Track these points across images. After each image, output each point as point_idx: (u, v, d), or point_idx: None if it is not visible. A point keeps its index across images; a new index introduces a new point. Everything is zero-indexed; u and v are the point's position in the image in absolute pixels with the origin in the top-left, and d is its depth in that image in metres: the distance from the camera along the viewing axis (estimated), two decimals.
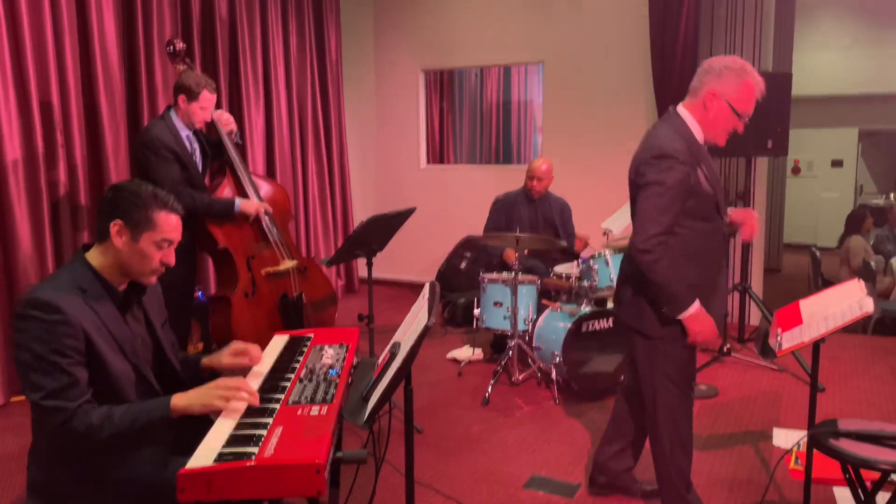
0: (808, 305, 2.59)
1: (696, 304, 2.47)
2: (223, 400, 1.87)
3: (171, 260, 2.04)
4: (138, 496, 1.92)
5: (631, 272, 2.62)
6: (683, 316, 2.47)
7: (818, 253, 6.39)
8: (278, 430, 1.74)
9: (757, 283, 5.74)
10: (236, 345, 2.22)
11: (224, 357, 2.19)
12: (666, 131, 2.48)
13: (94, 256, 1.99)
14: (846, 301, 2.43)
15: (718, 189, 2.52)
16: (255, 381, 2.09)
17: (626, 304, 2.67)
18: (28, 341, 1.80)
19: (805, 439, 2.54)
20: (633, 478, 3.03)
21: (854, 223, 6.79)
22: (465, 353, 4.92)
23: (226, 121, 4.07)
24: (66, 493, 1.90)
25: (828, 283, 6.26)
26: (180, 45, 4.06)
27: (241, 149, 4.24)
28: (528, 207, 4.97)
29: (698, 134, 2.48)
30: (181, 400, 1.88)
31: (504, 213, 4.93)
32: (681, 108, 2.52)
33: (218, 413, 1.86)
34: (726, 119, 2.45)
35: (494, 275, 4.58)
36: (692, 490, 2.77)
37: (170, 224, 2.01)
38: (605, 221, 4.61)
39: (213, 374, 2.22)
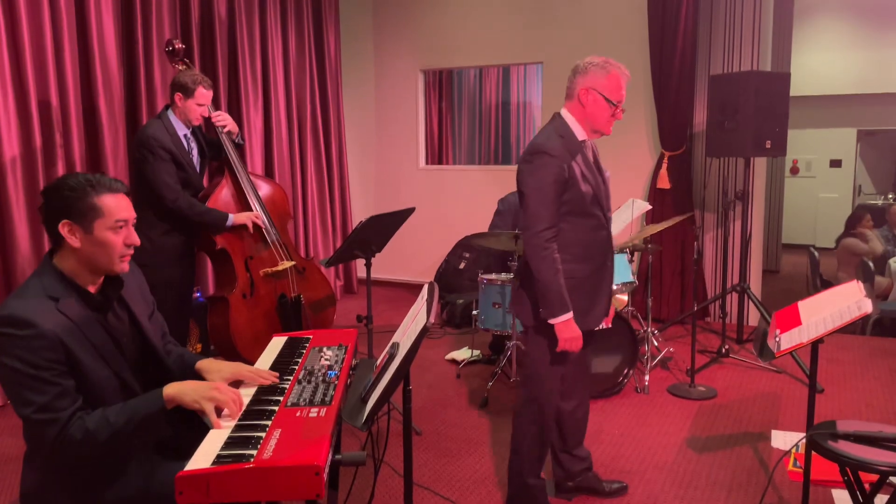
0: (806, 307, 2.59)
1: (568, 315, 2.56)
2: (213, 404, 1.82)
3: (135, 239, 1.95)
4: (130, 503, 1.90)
5: (519, 267, 2.75)
6: (553, 321, 2.56)
7: (817, 253, 6.40)
8: (277, 432, 1.74)
9: (755, 284, 5.75)
10: (241, 372, 2.09)
11: (220, 380, 2.05)
12: (546, 131, 2.64)
13: (60, 262, 1.91)
14: (844, 302, 2.44)
15: (598, 186, 2.66)
16: (252, 385, 2.08)
17: (514, 295, 2.76)
18: (6, 360, 1.74)
19: (804, 441, 2.54)
20: (596, 476, 3.05)
21: (849, 225, 6.78)
22: (463, 354, 4.92)
23: (223, 120, 4.05)
24: (57, 502, 1.87)
25: (827, 283, 6.27)
26: (179, 45, 4.05)
27: (241, 149, 4.23)
28: None
29: (578, 132, 2.63)
30: (173, 388, 1.84)
31: (509, 215, 4.91)
32: (563, 111, 2.66)
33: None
34: (603, 109, 2.59)
35: (493, 275, 4.57)
36: (538, 478, 2.85)
37: (117, 204, 1.90)
38: None
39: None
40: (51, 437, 1.76)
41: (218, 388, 1.87)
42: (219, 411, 1.84)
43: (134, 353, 2.05)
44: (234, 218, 3.95)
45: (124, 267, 1.96)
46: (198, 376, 2.10)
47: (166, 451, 2.00)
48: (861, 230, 6.52)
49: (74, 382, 1.81)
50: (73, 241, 1.87)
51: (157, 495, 1.85)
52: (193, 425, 1.88)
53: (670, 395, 4.20)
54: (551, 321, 2.56)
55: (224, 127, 4.05)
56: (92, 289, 1.95)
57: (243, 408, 1.88)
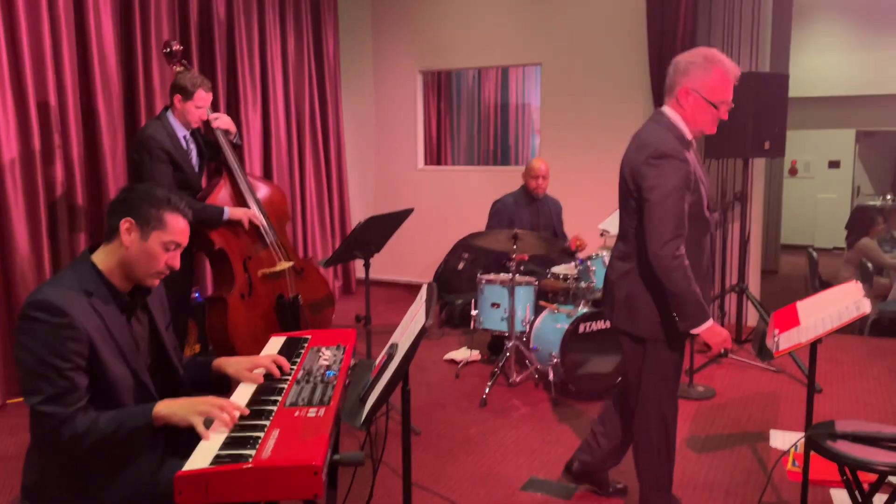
0: (805, 307, 2.60)
1: (710, 320, 2.44)
2: (201, 417, 1.80)
3: (177, 264, 2.03)
4: (132, 501, 1.90)
5: (623, 272, 2.59)
6: (697, 330, 2.44)
7: (815, 254, 6.40)
8: (275, 433, 1.74)
9: (754, 285, 5.75)
10: (259, 361, 2.17)
11: (242, 371, 2.13)
12: (657, 130, 2.48)
13: (100, 258, 1.98)
14: (843, 302, 2.44)
15: (708, 188, 2.56)
16: (252, 385, 2.09)
17: (618, 305, 2.63)
18: (31, 344, 1.78)
19: (802, 441, 2.54)
20: (606, 476, 3.02)
21: (862, 225, 6.74)
22: (462, 354, 4.92)
23: (224, 122, 4.06)
24: (58, 498, 1.88)
25: (825, 284, 6.27)
26: (177, 46, 4.05)
27: (239, 150, 4.23)
28: (528, 209, 4.97)
29: (686, 131, 2.49)
30: (164, 409, 1.85)
31: (506, 216, 4.92)
32: (666, 109, 2.53)
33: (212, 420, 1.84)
34: (704, 111, 2.45)
35: (492, 276, 4.58)
36: (670, 492, 2.75)
37: (179, 226, 2.01)
38: (603, 222, 4.61)
39: (221, 377, 2.19)
40: (45, 431, 1.79)
41: (203, 402, 1.86)
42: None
43: (149, 358, 2.10)
44: (230, 211, 3.95)
45: (154, 283, 2.05)
46: (218, 372, 2.18)
47: (178, 449, 2.00)
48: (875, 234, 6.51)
49: (88, 381, 1.84)
50: (127, 238, 1.94)
51: (161, 494, 1.86)
52: None
53: None
54: (694, 331, 2.44)
55: (223, 127, 4.05)
56: (124, 291, 2.01)
57: (235, 421, 1.83)
